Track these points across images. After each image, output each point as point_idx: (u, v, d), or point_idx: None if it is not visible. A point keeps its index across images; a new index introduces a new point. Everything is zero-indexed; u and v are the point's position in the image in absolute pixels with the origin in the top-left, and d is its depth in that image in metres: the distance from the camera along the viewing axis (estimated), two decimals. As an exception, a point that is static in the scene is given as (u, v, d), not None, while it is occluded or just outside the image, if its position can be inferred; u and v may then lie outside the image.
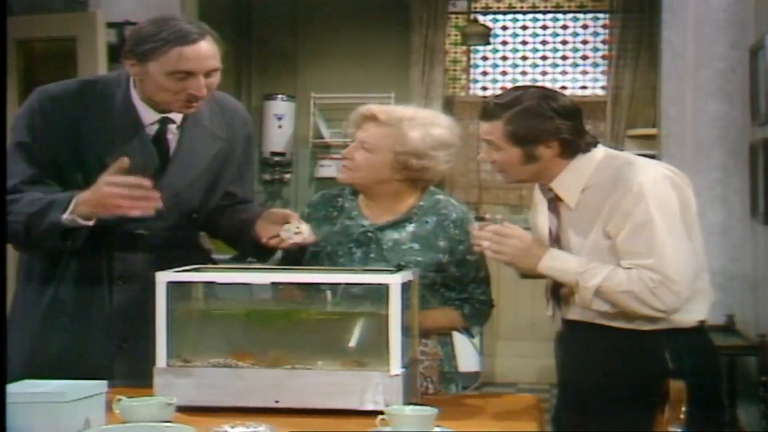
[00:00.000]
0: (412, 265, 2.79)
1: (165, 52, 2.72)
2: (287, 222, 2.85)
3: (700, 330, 2.84)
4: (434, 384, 2.97)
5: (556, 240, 2.84)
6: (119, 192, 2.64)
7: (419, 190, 3.03)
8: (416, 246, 2.95)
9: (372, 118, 2.99)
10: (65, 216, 2.70)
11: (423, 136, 2.95)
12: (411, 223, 2.99)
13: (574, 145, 2.79)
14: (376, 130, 2.97)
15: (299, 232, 2.83)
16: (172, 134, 2.90)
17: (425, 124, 2.98)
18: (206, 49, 2.75)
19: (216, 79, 2.80)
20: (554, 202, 2.86)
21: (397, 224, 2.99)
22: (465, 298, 3.03)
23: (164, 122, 2.89)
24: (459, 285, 3.01)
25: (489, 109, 2.80)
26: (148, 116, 2.87)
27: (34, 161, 2.82)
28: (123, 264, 2.87)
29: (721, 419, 3.02)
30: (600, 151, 2.84)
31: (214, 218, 3.05)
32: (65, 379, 2.34)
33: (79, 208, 2.70)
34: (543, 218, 2.90)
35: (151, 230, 2.87)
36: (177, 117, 2.89)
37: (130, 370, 2.72)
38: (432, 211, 3.01)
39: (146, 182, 2.65)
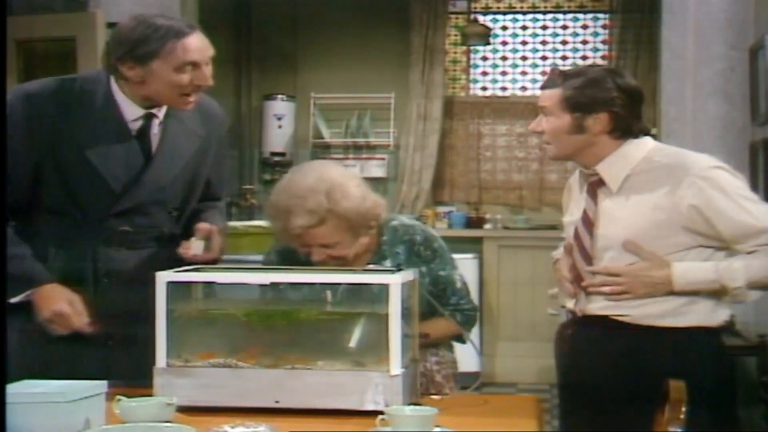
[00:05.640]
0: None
1: (170, 48, 2.75)
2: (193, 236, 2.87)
3: (720, 331, 2.81)
4: (451, 390, 2.98)
5: (591, 224, 2.80)
6: (63, 311, 2.72)
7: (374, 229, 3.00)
8: None
9: (313, 226, 2.89)
10: (14, 301, 2.74)
11: (354, 198, 2.90)
12: (386, 259, 3.00)
13: (625, 124, 2.78)
14: (324, 230, 2.89)
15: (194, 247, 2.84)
16: (155, 130, 2.90)
17: (341, 191, 2.89)
18: (202, 39, 2.80)
19: (211, 68, 2.82)
20: (594, 187, 2.83)
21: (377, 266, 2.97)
22: (452, 309, 3.04)
23: (148, 118, 2.89)
24: (441, 300, 2.99)
25: (552, 77, 2.83)
26: (131, 112, 2.86)
27: (14, 162, 2.76)
28: (107, 261, 2.87)
29: (737, 424, 3.00)
30: (650, 142, 2.84)
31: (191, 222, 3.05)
32: (54, 378, 2.32)
33: (33, 299, 2.75)
34: (575, 207, 2.87)
35: (136, 227, 2.88)
36: (160, 113, 2.90)
37: (116, 368, 2.70)
38: (396, 241, 3.02)
39: (76, 306, 2.73)
